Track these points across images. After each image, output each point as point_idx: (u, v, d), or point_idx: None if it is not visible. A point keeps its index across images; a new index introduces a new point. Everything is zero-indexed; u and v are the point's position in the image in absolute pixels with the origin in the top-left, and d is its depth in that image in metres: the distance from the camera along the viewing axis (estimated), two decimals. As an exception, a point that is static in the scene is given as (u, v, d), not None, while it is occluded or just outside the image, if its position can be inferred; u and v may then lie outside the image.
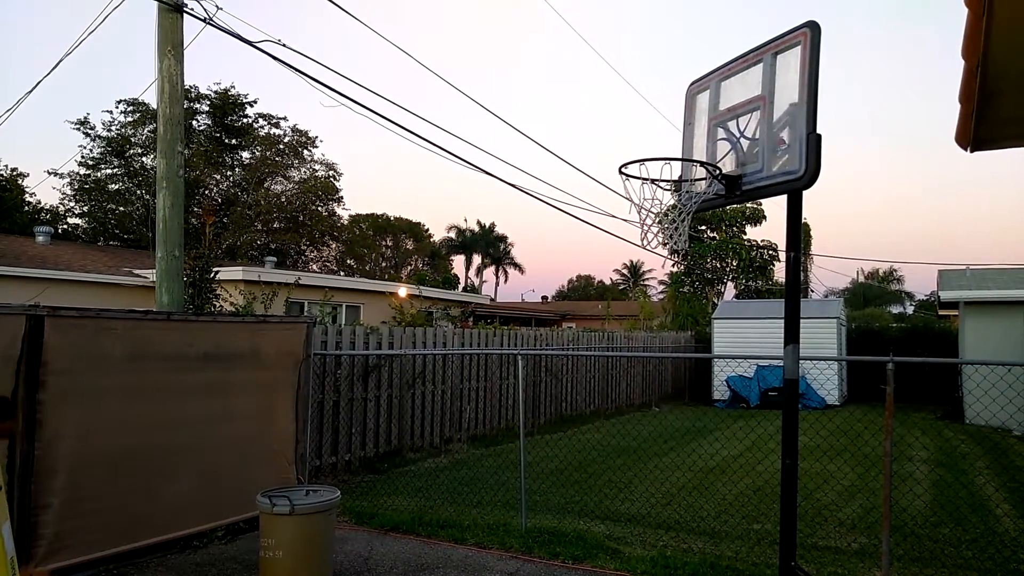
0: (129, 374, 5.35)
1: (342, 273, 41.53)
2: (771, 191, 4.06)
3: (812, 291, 35.46)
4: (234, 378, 6.18)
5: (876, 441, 9.66)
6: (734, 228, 28.51)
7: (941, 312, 22.22)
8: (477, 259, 61.93)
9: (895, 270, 54.09)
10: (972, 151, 3.49)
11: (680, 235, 4.17)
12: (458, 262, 61.41)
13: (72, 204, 33.04)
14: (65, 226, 32.47)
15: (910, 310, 47.59)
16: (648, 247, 4.20)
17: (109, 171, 32.88)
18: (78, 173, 32.27)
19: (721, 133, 4.33)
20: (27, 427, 4.73)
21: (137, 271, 18.53)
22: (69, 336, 4.98)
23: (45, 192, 46.69)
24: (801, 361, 4.21)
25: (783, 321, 4.15)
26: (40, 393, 4.80)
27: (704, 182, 4.30)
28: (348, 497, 7.22)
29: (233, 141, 35.90)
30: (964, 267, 18.95)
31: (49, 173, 32.64)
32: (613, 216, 16.90)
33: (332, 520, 5.02)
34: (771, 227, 31.14)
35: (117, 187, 33.02)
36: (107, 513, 5.15)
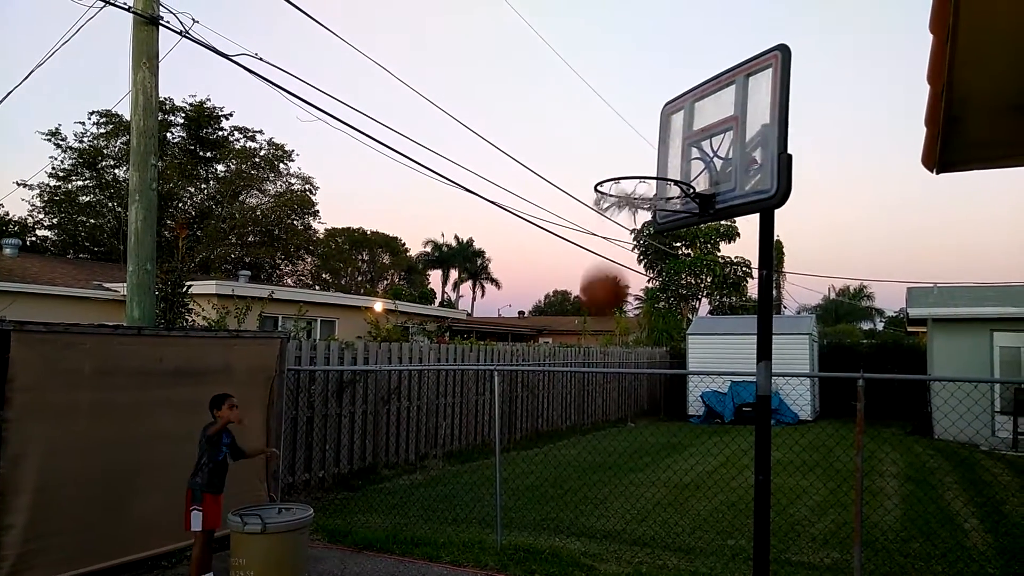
0: (98, 390, 5.25)
1: (317, 287, 41.19)
2: (744, 210, 4.11)
3: (784, 307, 35.91)
4: (206, 394, 6.07)
5: (847, 456, 9.77)
6: (708, 245, 28.85)
7: (910, 328, 22.61)
8: (454, 274, 61.80)
9: (865, 287, 55.01)
10: (938, 173, 3.57)
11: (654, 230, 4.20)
12: (435, 277, 61.26)
13: (41, 216, 32.48)
14: (34, 238, 31.86)
15: (880, 326, 48.41)
16: (624, 263, 4.23)
17: (80, 183, 32.35)
18: (48, 184, 31.71)
19: (695, 152, 4.38)
20: (-10, 445, 4.61)
21: (107, 284, 18.23)
22: (36, 351, 4.88)
23: (13, 203, 45.82)
24: (774, 377, 4.25)
25: (756, 337, 4.19)
26: (5, 410, 4.69)
27: (679, 200, 4.35)
28: (321, 515, 7.13)
29: (208, 154, 35.56)
30: (932, 284, 19.33)
31: (18, 184, 32.00)
32: (592, 234, 17.02)
33: (305, 539, 4.95)
34: (744, 244, 31.58)
35: (88, 199, 32.49)
36: (74, 533, 5.03)
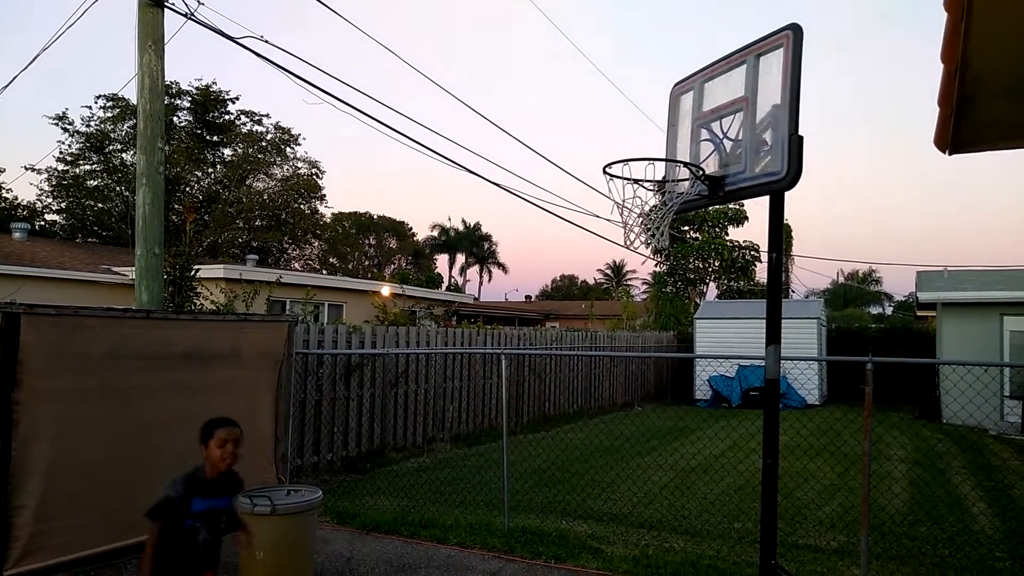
0: (107, 373, 5.27)
1: (324, 272, 41.28)
2: (753, 192, 4.08)
3: (793, 292, 35.81)
4: (214, 377, 6.11)
5: (855, 440, 9.75)
6: (717, 228, 28.70)
7: (919, 313, 22.52)
8: (461, 258, 61.85)
9: (874, 271, 54.80)
10: (951, 154, 3.53)
11: (662, 235, 4.18)
12: (442, 261, 61.32)
13: (50, 200, 32.56)
14: (42, 222, 31.96)
15: (889, 311, 48.22)
16: (631, 247, 4.21)
17: (88, 167, 32.41)
18: (56, 169, 31.79)
19: (704, 134, 4.35)
20: (2, 427, 4.65)
21: (116, 268, 18.30)
22: (46, 334, 4.90)
23: (22, 188, 46.03)
24: (782, 361, 4.24)
25: (764, 321, 4.17)
26: (16, 392, 4.71)
27: (687, 183, 4.32)
28: (330, 497, 7.18)
29: (215, 138, 35.53)
30: (942, 268, 19.20)
31: (26, 168, 32.15)
32: (597, 216, 16.97)
33: (313, 520, 4.98)
34: (753, 228, 31.45)
35: (96, 183, 32.55)
36: (84, 514, 5.08)
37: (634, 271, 65.23)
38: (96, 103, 32.17)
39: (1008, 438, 13.10)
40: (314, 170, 37.88)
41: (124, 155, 31.96)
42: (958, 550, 5.97)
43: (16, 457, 4.71)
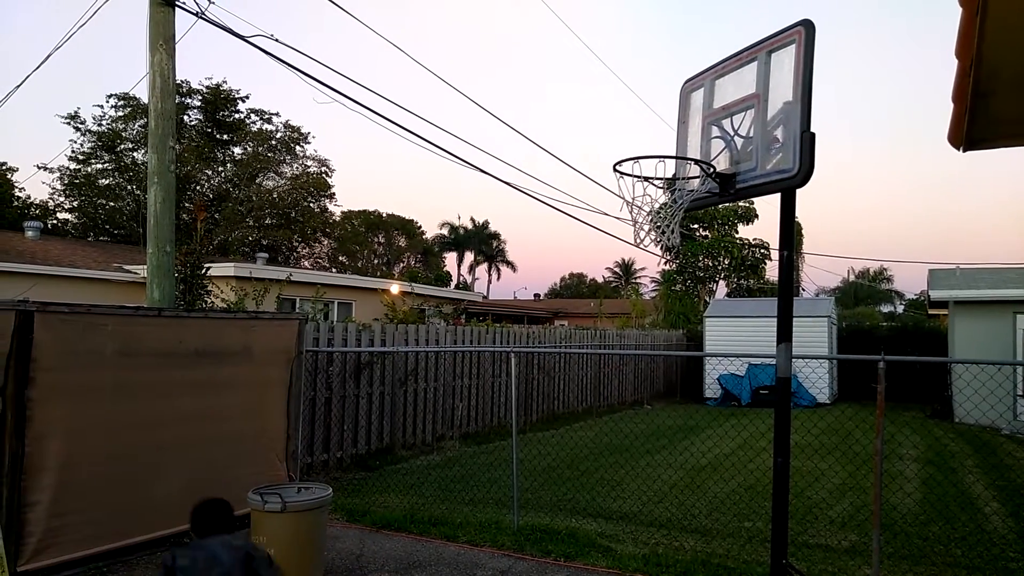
0: (119, 371, 5.31)
1: (334, 270, 41.40)
2: (765, 189, 4.06)
3: (803, 290, 35.65)
4: (225, 375, 6.15)
5: (866, 439, 9.70)
6: (726, 226, 28.56)
7: (931, 311, 22.36)
8: (470, 256, 61.91)
9: (885, 269, 54.54)
10: (964, 151, 3.49)
11: (672, 232, 4.17)
12: (451, 259, 61.42)
13: (62, 199, 32.82)
14: (55, 221, 32.22)
15: (900, 309, 47.95)
16: (641, 245, 4.20)
17: (99, 166, 32.65)
18: (68, 168, 32.06)
19: (715, 131, 4.33)
20: (16, 424, 4.69)
21: (128, 267, 18.41)
22: (59, 332, 4.94)
23: (35, 187, 46.27)
24: (792, 359, 4.21)
25: (775, 320, 4.15)
26: (29, 390, 4.75)
27: (698, 180, 4.30)
28: (340, 494, 7.20)
29: (225, 136, 35.70)
30: (954, 266, 19.05)
31: (39, 167, 32.36)
32: (606, 214, 16.94)
33: (324, 518, 5.00)
34: (763, 226, 31.33)
35: (107, 182, 32.78)
36: (96, 510, 5.12)
37: (643, 269, 65.01)
38: (108, 102, 32.45)
39: (1021, 437, 12.99)
40: (324, 168, 38.02)
41: (135, 154, 32.16)
42: (971, 550, 5.93)
43: (30, 453, 4.75)
